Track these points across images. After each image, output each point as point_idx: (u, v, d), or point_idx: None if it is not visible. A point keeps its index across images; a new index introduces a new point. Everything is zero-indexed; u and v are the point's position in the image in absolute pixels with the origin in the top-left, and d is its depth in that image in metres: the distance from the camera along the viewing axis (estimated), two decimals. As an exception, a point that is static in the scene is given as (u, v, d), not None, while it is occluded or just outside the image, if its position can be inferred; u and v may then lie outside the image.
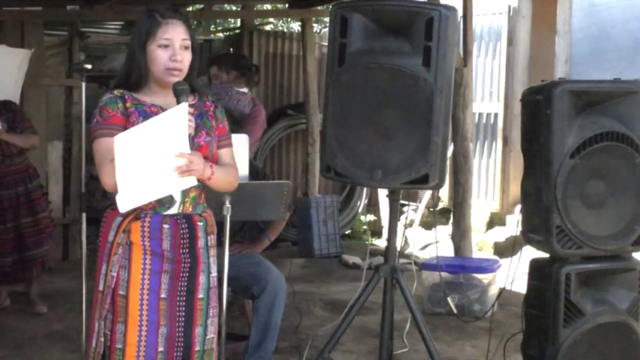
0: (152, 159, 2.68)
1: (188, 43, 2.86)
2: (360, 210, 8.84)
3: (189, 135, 2.74)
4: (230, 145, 3.05)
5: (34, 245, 5.33)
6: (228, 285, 3.57)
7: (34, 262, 5.38)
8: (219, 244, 3.14)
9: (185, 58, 2.85)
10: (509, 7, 8.34)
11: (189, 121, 2.73)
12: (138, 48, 2.84)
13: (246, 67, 5.56)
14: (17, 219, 5.27)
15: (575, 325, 3.41)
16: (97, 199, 7.53)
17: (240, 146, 3.84)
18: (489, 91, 8.61)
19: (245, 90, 5.40)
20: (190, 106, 2.79)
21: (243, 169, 3.79)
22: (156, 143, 2.67)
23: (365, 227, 8.80)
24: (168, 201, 2.85)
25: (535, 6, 8.37)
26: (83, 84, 4.37)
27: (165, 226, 2.84)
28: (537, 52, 8.28)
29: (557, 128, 3.34)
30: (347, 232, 8.70)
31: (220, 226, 3.24)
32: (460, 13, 4.38)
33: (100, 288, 2.86)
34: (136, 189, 2.71)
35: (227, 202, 3.40)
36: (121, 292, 2.82)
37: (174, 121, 2.68)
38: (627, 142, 3.43)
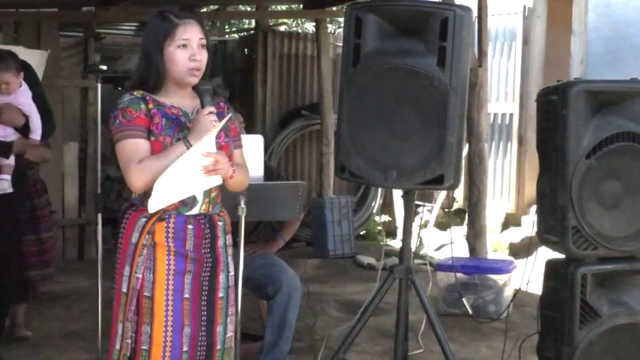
0: (185, 163, 2.73)
1: (204, 41, 2.88)
2: (374, 210, 8.84)
3: None
4: (241, 145, 3.07)
5: (36, 266, 4.97)
6: (243, 285, 3.57)
7: (33, 283, 4.99)
8: (234, 244, 3.15)
9: (204, 57, 2.87)
10: (525, 7, 8.31)
11: (215, 122, 2.77)
12: (154, 50, 2.84)
13: None
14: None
15: (591, 327, 3.38)
16: (111, 200, 7.58)
17: (255, 147, 3.85)
18: (504, 92, 8.59)
19: None
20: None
21: (258, 170, 3.79)
22: (196, 152, 2.73)
23: (379, 228, 8.80)
24: (191, 201, 2.86)
25: (550, 6, 8.34)
26: (99, 85, 4.40)
27: (190, 226, 2.85)
28: (552, 52, 8.25)
29: (573, 128, 3.32)
30: (361, 233, 8.70)
31: (235, 226, 3.25)
32: (475, 13, 4.39)
33: (124, 290, 2.85)
34: (168, 190, 2.74)
35: (242, 203, 3.41)
36: (146, 294, 2.81)
37: (215, 132, 2.73)
38: (643, 143, 3.40)
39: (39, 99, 4.59)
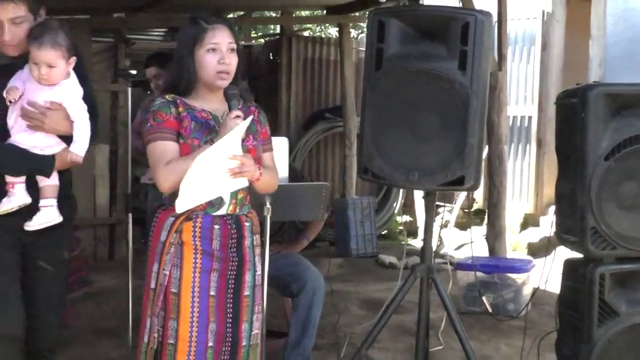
0: (211, 164, 2.80)
1: (234, 46, 2.95)
2: (396, 211, 8.89)
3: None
4: (271, 149, 3.15)
5: None
6: (269, 284, 3.65)
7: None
8: (260, 243, 3.22)
9: (232, 61, 2.94)
10: (544, 11, 8.33)
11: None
12: (186, 54, 2.93)
13: None
14: None
15: (610, 325, 3.39)
16: (140, 201, 7.69)
17: (280, 149, 3.93)
18: (524, 95, 8.60)
19: None
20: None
21: (283, 171, 3.86)
22: (218, 152, 2.79)
23: (401, 228, 8.84)
24: (218, 202, 2.94)
25: (569, 11, 8.34)
26: (129, 89, 4.47)
27: (216, 226, 2.93)
28: (571, 56, 8.25)
29: (592, 131, 3.33)
30: (383, 233, 8.73)
31: (261, 226, 3.33)
32: (495, 18, 4.42)
33: (152, 286, 2.94)
34: (194, 191, 2.82)
35: (267, 203, 3.47)
36: (173, 290, 2.90)
37: (237, 132, 2.80)
38: (661, 145, 3.42)
39: (88, 97, 3.31)
